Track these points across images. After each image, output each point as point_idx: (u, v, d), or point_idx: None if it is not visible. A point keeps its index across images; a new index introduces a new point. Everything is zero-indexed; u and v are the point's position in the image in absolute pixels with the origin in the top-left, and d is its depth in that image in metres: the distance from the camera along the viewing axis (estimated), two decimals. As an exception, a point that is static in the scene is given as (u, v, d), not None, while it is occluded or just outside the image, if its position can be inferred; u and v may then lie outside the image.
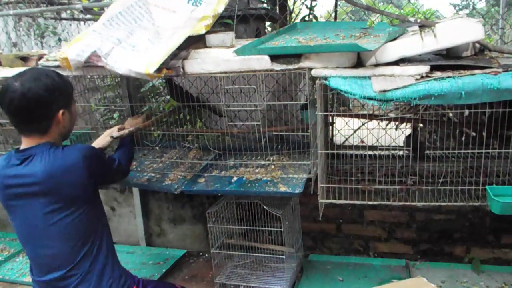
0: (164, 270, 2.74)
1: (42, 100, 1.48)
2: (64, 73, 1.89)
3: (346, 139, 2.65)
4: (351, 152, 2.53)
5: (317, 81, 1.70)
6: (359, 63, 1.70)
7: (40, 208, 1.50)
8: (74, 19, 4.21)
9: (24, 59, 2.17)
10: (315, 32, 2.04)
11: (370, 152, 2.54)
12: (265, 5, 3.26)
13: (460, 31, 1.59)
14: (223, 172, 2.23)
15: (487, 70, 1.54)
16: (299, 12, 3.50)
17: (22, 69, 2.15)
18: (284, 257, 2.45)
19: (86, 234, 1.56)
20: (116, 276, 1.62)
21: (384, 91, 1.59)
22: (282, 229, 2.35)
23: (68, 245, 1.53)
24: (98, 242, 1.60)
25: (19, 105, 1.46)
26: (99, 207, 1.66)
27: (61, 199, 1.50)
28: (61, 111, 1.53)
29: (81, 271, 1.55)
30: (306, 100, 1.95)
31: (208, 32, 1.90)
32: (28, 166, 1.49)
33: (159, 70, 1.73)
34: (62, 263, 1.55)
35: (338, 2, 2.90)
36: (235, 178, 2.15)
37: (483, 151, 1.87)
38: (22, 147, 1.54)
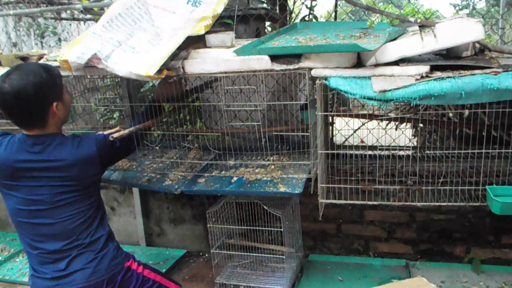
0: (164, 270, 2.74)
1: (32, 99, 1.53)
2: (64, 73, 1.90)
3: (346, 139, 2.65)
4: (351, 152, 2.53)
5: (317, 81, 1.70)
6: (359, 63, 1.70)
7: (51, 189, 1.61)
8: (74, 19, 4.21)
9: (24, 59, 2.17)
10: (315, 32, 2.04)
11: (370, 152, 2.54)
12: (265, 5, 3.26)
13: (460, 31, 1.58)
14: (223, 172, 2.23)
15: (487, 70, 1.54)
16: (299, 12, 3.50)
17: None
18: (284, 257, 2.45)
19: (86, 212, 1.69)
20: (116, 246, 1.77)
21: (384, 91, 1.59)
22: (282, 229, 2.35)
23: (70, 221, 1.64)
24: (99, 217, 1.74)
25: (12, 106, 1.53)
26: (99, 186, 1.81)
27: (76, 184, 1.64)
28: (54, 104, 1.58)
29: (81, 243, 1.66)
30: (306, 100, 1.95)
31: (208, 32, 1.90)
32: (46, 152, 1.60)
33: (159, 71, 1.73)
34: (61, 238, 1.64)
35: (338, 2, 2.90)
36: (235, 178, 2.15)
37: (483, 151, 1.87)
38: (30, 134, 1.61)
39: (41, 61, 2.11)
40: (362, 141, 2.56)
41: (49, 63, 2.05)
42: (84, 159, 1.65)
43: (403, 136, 2.51)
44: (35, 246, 1.66)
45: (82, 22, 4.24)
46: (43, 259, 1.66)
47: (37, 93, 1.53)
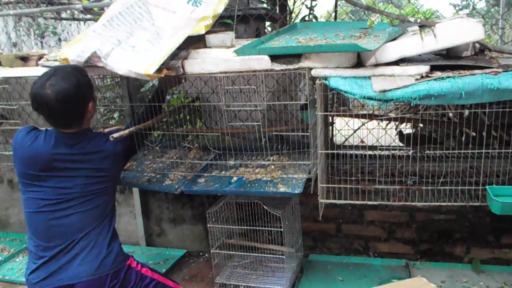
0: (164, 270, 2.74)
1: (75, 101, 1.64)
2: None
3: (346, 139, 2.65)
4: (351, 152, 2.53)
5: (317, 81, 1.70)
6: (359, 63, 1.70)
7: (85, 179, 1.71)
8: (74, 19, 4.21)
9: (24, 59, 2.17)
10: (315, 32, 2.04)
11: (370, 152, 2.54)
12: (265, 5, 3.26)
13: (460, 31, 1.59)
14: (223, 172, 2.23)
15: (487, 70, 1.54)
16: (299, 12, 3.50)
17: (22, 69, 2.17)
18: (284, 257, 2.45)
19: (105, 206, 1.78)
20: (120, 244, 1.82)
21: (384, 91, 1.59)
22: (282, 229, 2.35)
23: (89, 213, 1.72)
24: (110, 215, 1.81)
25: (57, 110, 1.62)
26: (116, 185, 1.93)
27: (107, 175, 1.77)
28: (90, 104, 1.71)
29: (92, 237, 1.71)
30: (306, 100, 1.95)
31: (208, 32, 1.90)
32: (82, 146, 1.71)
33: (159, 70, 1.73)
34: (76, 230, 1.70)
35: (338, 2, 2.90)
36: (235, 178, 2.15)
37: (483, 151, 1.87)
38: (67, 131, 1.71)
39: (40, 61, 2.11)
40: (362, 141, 2.56)
41: (49, 63, 2.06)
42: (113, 153, 1.78)
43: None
44: (47, 236, 1.69)
45: (82, 22, 4.24)
46: (52, 253, 1.68)
47: (77, 94, 1.63)
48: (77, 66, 1.74)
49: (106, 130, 1.91)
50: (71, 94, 1.61)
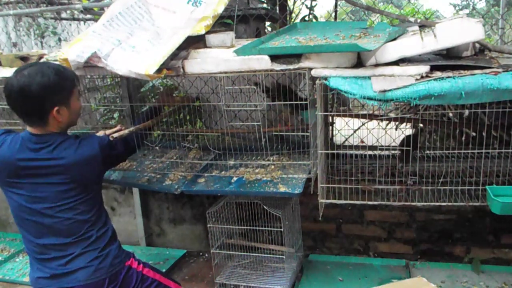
0: (164, 270, 2.74)
1: (33, 99, 1.54)
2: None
3: (346, 139, 2.65)
4: (351, 152, 2.53)
5: (317, 81, 1.70)
6: (359, 63, 1.70)
7: (54, 187, 1.61)
8: (74, 19, 4.21)
9: (24, 59, 2.17)
10: (315, 32, 2.04)
11: (370, 152, 2.54)
12: (265, 5, 3.26)
13: (460, 31, 1.58)
14: (223, 172, 2.23)
15: (487, 70, 1.54)
16: (299, 12, 3.50)
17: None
18: (284, 257, 2.45)
19: (91, 213, 1.69)
20: (118, 245, 1.78)
21: (384, 91, 1.59)
22: (282, 229, 2.35)
23: (73, 220, 1.65)
24: (101, 219, 1.74)
25: (15, 99, 1.56)
26: (101, 186, 1.83)
27: (77, 184, 1.64)
28: (55, 108, 1.58)
29: (84, 242, 1.66)
30: (306, 100, 1.95)
31: (208, 32, 1.91)
32: (47, 152, 1.59)
33: (159, 70, 1.73)
34: (64, 235, 1.65)
35: (338, 2, 2.90)
36: (235, 178, 2.15)
37: (483, 151, 1.87)
38: (33, 132, 1.62)
39: (40, 62, 2.11)
40: (362, 141, 2.56)
41: (49, 63, 2.05)
42: (84, 160, 1.64)
43: (402, 136, 2.51)
44: (36, 242, 1.66)
45: (82, 22, 4.24)
46: (44, 256, 1.66)
47: (40, 94, 1.53)
48: (59, 67, 1.63)
49: (107, 132, 1.90)
50: (33, 91, 1.51)
